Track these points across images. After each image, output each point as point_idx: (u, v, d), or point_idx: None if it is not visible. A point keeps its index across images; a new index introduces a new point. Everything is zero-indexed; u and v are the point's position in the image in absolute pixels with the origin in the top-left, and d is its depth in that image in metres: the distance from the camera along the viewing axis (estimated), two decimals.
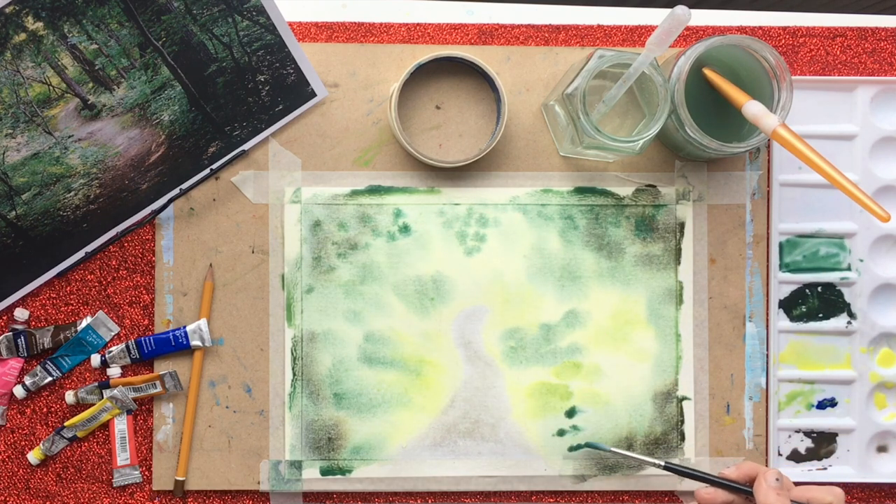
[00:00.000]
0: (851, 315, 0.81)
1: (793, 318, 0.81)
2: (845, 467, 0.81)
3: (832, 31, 0.82)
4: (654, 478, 0.80)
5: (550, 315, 0.80)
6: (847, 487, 0.81)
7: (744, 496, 0.68)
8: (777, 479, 0.66)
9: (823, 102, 0.81)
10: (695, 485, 0.80)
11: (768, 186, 0.81)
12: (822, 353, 0.81)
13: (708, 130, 0.72)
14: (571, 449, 0.79)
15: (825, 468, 0.81)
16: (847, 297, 0.81)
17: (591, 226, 0.80)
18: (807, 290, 0.81)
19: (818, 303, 0.81)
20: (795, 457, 0.81)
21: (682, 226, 0.80)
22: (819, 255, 0.81)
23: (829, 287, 0.81)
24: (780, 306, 0.81)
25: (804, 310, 0.81)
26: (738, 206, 0.81)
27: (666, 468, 0.74)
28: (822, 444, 0.81)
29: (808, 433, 0.81)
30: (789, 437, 0.81)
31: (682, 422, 0.80)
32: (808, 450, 0.81)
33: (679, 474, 0.73)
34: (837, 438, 0.81)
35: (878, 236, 0.81)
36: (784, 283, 0.81)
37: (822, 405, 0.81)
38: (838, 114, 0.81)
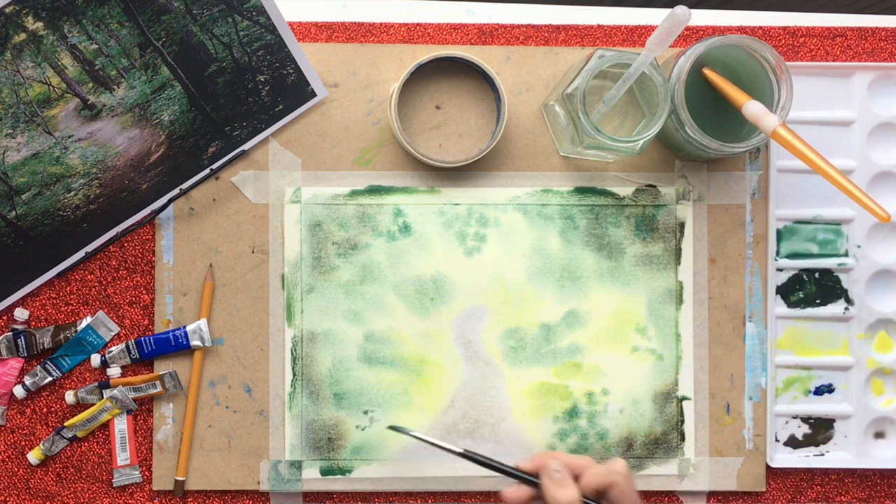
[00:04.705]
0: (849, 301, 0.81)
1: (790, 304, 0.81)
2: (842, 453, 0.81)
3: (832, 31, 0.82)
4: (655, 478, 0.80)
5: (550, 315, 0.80)
6: (844, 473, 0.82)
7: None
8: (557, 471, 0.62)
9: (821, 89, 0.81)
10: (693, 484, 0.80)
11: (767, 185, 0.81)
12: (819, 339, 0.81)
13: (708, 130, 0.72)
14: (389, 427, 0.72)
15: (822, 454, 0.81)
16: (844, 283, 0.81)
17: (591, 226, 0.80)
18: (804, 276, 0.81)
19: (815, 289, 0.81)
20: (793, 443, 0.81)
21: (682, 226, 0.80)
22: (817, 240, 0.81)
23: (827, 273, 0.81)
24: (777, 292, 0.81)
25: (801, 296, 0.81)
26: (738, 206, 0.81)
27: (464, 455, 0.67)
28: (820, 430, 0.81)
29: (805, 419, 0.81)
30: (786, 423, 0.81)
31: (682, 422, 0.80)
32: (805, 436, 0.81)
33: (476, 462, 0.66)
34: (835, 424, 0.81)
35: (876, 222, 0.81)
36: (781, 270, 0.81)
37: (819, 391, 0.81)
38: (836, 100, 0.81)
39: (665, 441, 0.80)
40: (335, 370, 0.79)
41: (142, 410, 0.80)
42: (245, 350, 0.79)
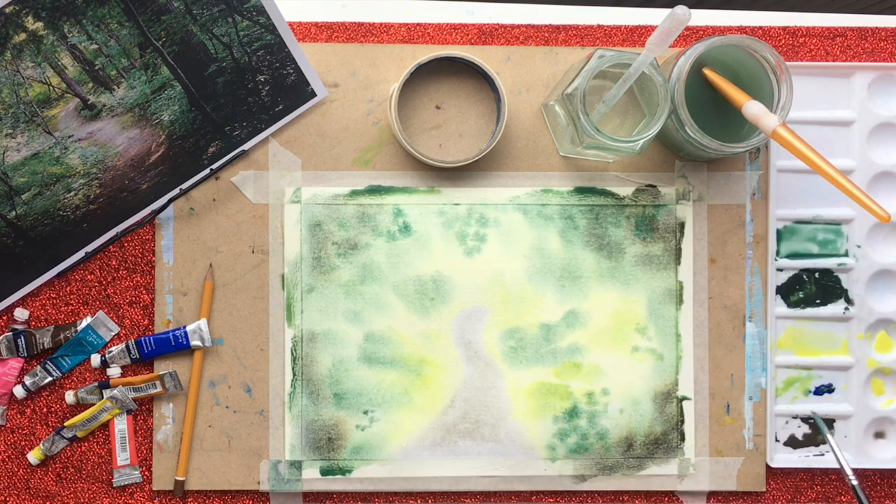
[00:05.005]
0: (849, 301, 0.81)
1: (790, 304, 0.81)
2: (842, 453, 0.81)
3: (832, 31, 0.82)
4: (655, 478, 0.80)
5: (550, 315, 0.80)
6: (844, 473, 0.82)
7: None
8: None
9: (821, 89, 0.81)
10: (693, 484, 0.80)
11: (767, 185, 0.81)
12: (819, 339, 0.81)
13: (708, 130, 0.72)
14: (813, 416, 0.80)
15: (822, 454, 0.81)
16: (844, 283, 0.81)
17: (591, 226, 0.80)
18: (804, 276, 0.81)
19: (815, 289, 0.81)
20: (793, 443, 0.81)
21: (682, 226, 0.80)
22: (817, 240, 0.81)
23: (827, 273, 0.81)
24: (777, 292, 0.81)
25: (801, 296, 0.81)
26: (738, 206, 0.81)
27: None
28: (820, 430, 0.81)
29: (805, 419, 0.81)
30: (786, 423, 0.81)
31: (682, 422, 0.80)
32: (805, 436, 0.81)
33: None
34: (835, 424, 0.81)
35: (876, 222, 0.81)
36: (781, 270, 0.81)
37: (819, 391, 0.81)
38: (836, 100, 0.81)
39: (665, 441, 0.80)
40: (335, 370, 0.79)
41: (142, 410, 0.80)
42: (245, 350, 0.79)
